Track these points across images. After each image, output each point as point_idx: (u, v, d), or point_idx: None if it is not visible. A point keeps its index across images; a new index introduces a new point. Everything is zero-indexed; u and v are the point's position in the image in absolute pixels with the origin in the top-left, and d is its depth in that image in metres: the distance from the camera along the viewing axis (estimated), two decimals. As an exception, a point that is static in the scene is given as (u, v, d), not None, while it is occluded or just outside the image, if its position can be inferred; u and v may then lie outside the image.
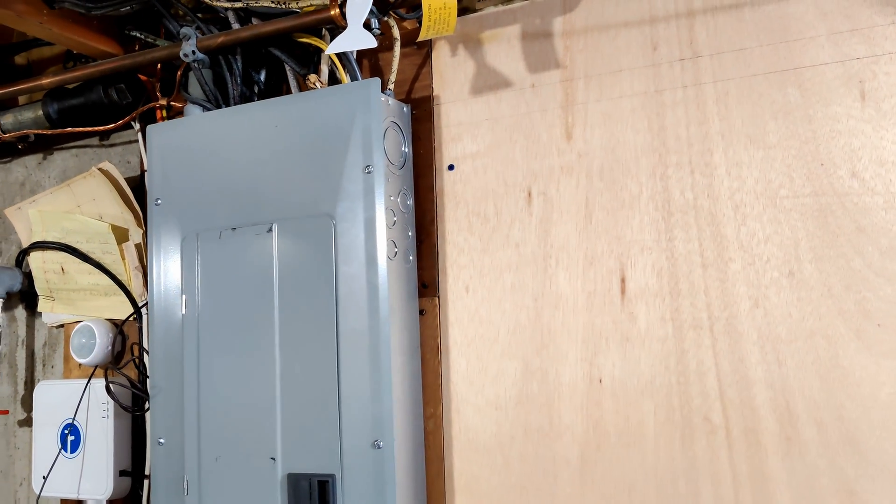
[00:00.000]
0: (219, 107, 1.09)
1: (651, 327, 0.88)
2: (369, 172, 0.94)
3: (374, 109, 0.94)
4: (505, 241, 0.97)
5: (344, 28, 0.93)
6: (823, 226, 0.82)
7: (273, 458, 0.96)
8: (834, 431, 0.80)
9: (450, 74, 1.02)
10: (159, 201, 1.07)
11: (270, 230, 0.99)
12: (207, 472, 1.00)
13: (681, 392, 0.87)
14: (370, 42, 0.89)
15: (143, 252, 1.17)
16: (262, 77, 1.10)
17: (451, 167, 1.01)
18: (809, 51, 0.84)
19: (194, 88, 1.11)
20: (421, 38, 0.91)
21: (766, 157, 0.85)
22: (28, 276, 1.30)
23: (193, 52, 1.03)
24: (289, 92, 1.08)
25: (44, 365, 1.32)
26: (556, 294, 0.94)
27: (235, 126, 1.03)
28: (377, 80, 0.94)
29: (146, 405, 1.14)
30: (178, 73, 1.12)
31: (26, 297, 1.33)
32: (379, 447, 0.90)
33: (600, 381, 0.90)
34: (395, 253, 0.95)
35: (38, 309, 1.27)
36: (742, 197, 0.86)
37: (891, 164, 0.80)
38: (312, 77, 1.01)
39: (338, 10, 0.94)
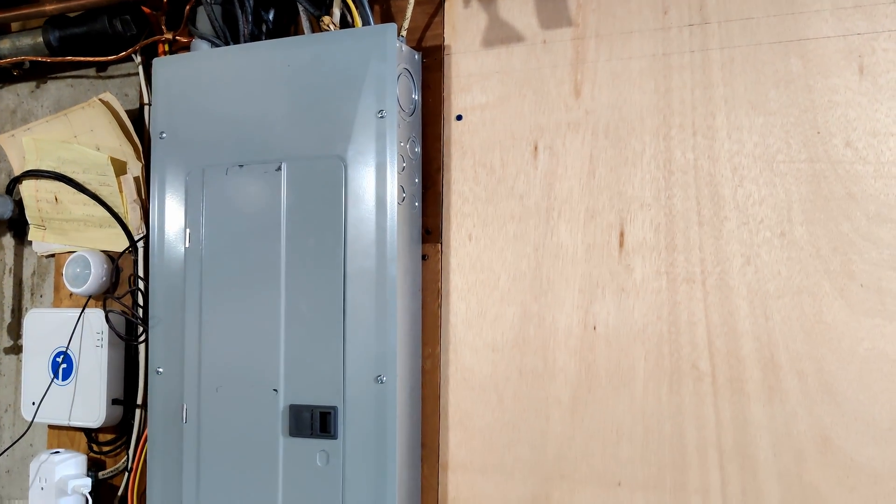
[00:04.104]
0: (227, 44, 1.09)
1: (646, 279, 0.93)
2: (382, 117, 0.96)
3: (390, 55, 0.96)
4: (509, 193, 1.00)
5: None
6: (816, 190, 0.87)
7: (275, 390, 0.99)
8: (813, 382, 0.86)
9: (462, 25, 1.04)
10: (164, 135, 1.08)
11: (279, 169, 1.00)
12: (207, 402, 1.02)
13: (671, 341, 0.92)
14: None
15: (141, 185, 1.18)
16: (271, 16, 1.11)
17: (459, 117, 1.04)
18: (813, 23, 0.88)
19: (202, 24, 1.11)
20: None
21: (765, 122, 0.90)
22: (18, 205, 1.29)
23: (208, -13, 1.03)
24: (299, 32, 1.09)
25: (32, 294, 1.32)
26: (556, 245, 0.98)
27: (246, 64, 1.04)
28: (393, 26, 0.96)
29: (140, 335, 1.16)
30: (188, 7, 1.12)
31: (15, 225, 1.33)
32: (382, 382, 0.94)
33: (594, 328, 0.95)
34: (403, 198, 0.98)
35: (29, 238, 1.27)
36: (741, 160, 0.90)
37: (883, 136, 0.85)
38: (326, 19, 1.02)
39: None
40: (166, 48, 1.17)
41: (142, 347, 1.17)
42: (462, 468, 1.00)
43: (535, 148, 0.99)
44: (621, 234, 0.95)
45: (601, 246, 0.96)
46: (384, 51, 0.96)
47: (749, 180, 0.90)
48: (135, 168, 1.19)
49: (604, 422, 0.94)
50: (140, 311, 1.15)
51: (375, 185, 0.96)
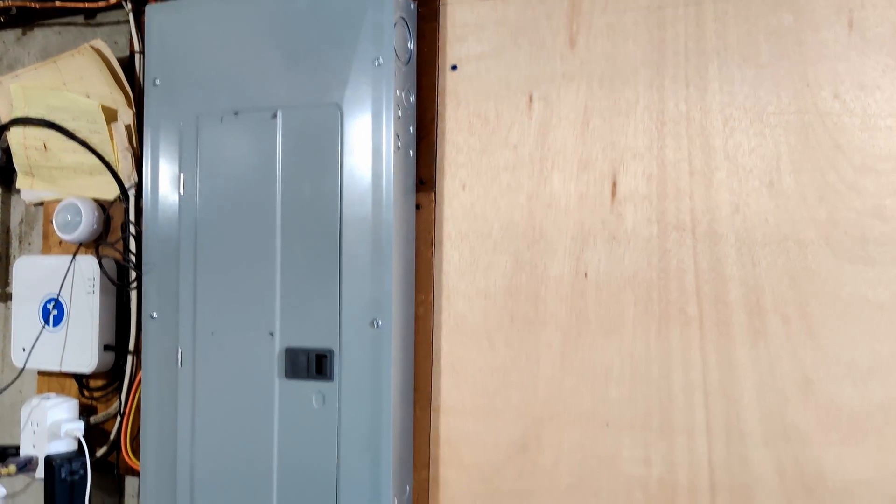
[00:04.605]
0: (221, -10, 1.09)
1: (637, 227, 0.96)
2: (379, 65, 0.97)
3: (387, 3, 0.97)
4: (503, 143, 1.02)
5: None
6: (804, 141, 0.90)
7: (271, 334, 1.00)
8: (797, 325, 0.89)
9: (458, -24, 1.05)
10: (157, 82, 1.07)
11: (275, 116, 1.01)
12: (202, 346, 1.03)
13: (660, 287, 0.94)
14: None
15: (132, 133, 1.18)
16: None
17: (454, 67, 1.05)
18: (805, -22, 0.90)
19: (196, -31, 1.10)
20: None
21: (756, 75, 0.92)
22: (6, 152, 1.28)
23: (204, -69, 1.03)
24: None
25: (20, 241, 1.31)
26: (549, 194, 0.99)
27: (242, 10, 1.03)
28: (391, -26, 0.97)
29: (133, 281, 1.16)
30: (181, -48, 1.11)
31: (2, 172, 1.32)
32: (377, 326, 0.96)
33: (585, 276, 0.98)
34: (399, 147, 0.99)
35: (17, 185, 1.26)
36: (732, 111, 0.93)
37: (870, 88, 0.88)
38: (323, -34, 1.02)
39: None
40: (158, -6, 1.16)
41: (133, 293, 1.17)
42: (454, 411, 1.03)
43: (530, 98, 1.01)
44: (613, 184, 0.97)
45: (594, 196, 0.98)
46: (381, -2, 0.97)
47: (739, 131, 0.92)
48: (126, 116, 1.18)
49: (593, 365, 0.97)
50: (132, 257, 1.15)
51: (372, 133, 0.97)
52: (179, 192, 1.05)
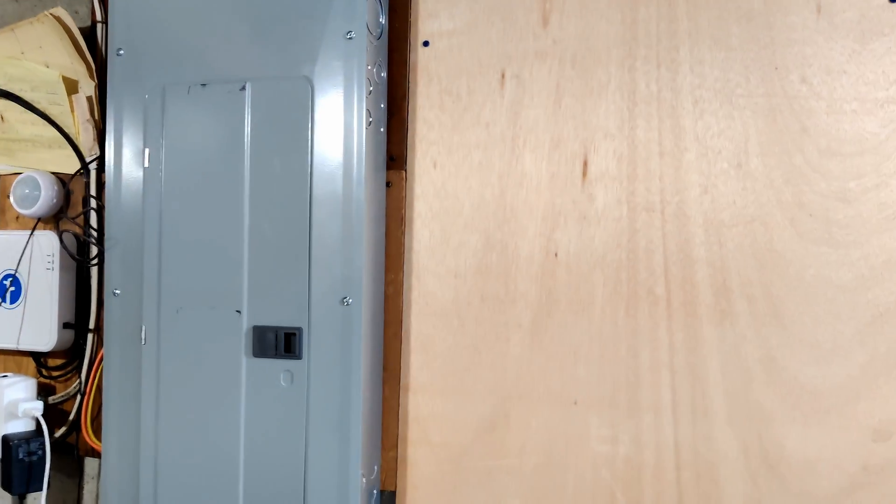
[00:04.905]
0: (188, -40, 1.06)
1: (607, 208, 0.96)
2: (350, 38, 0.95)
3: (360, -24, 0.95)
4: (475, 121, 1.01)
5: None
6: (772, 124, 0.91)
7: (238, 311, 0.98)
8: (762, 306, 0.90)
9: (431, -49, 1.04)
10: (121, 52, 1.05)
11: (243, 89, 0.99)
12: (167, 323, 1.02)
13: (629, 267, 0.95)
14: None
15: (94, 105, 1.15)
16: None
17: (426, 43, 1.04)
18: (776, -38, 0.91)
19: (162, -62, 1.07)
20: None
21: (726, 57, 0.93)
22: (-40, 123, 1.24)
23: None
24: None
25: (-25, 217, 1.27)
26: (520, 173, 0.99)
27: (210, -20, 1.01)
28: (364, -54, 0.95)
29: (94, 257, 1.14)
30: (146, -81, 1.08)
31: (-44, 145, 1.27)
32: (347, 304, 0.95)
33: (556, 255, 0.98)
34: (370, 123, 0.98)
35: (-29, 158, 1.22)
36: (702, 93, 0.93)
37: (836, 73, 0.89)
38: (294, -63, 1.00)
39: None
40: (121, -37, 1.13)
41: (94, 270, 1.15)
42: (423, 389, 1.02)
43: (503, 76, 1.00)
44: (585, 164, 0.97)
45: (565, 175, 0.98)
46: (354, -29, 0.95)
47: (709, 113, 0.93)
48: (87, 87, 1.15)
49: (562, 344, 0.97)
50: (94, 233, 1.12)
51: (344, 107, 0.95)
52: (144, 166, 1.03)
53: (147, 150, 1.03)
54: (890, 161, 0.87)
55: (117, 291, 1.04)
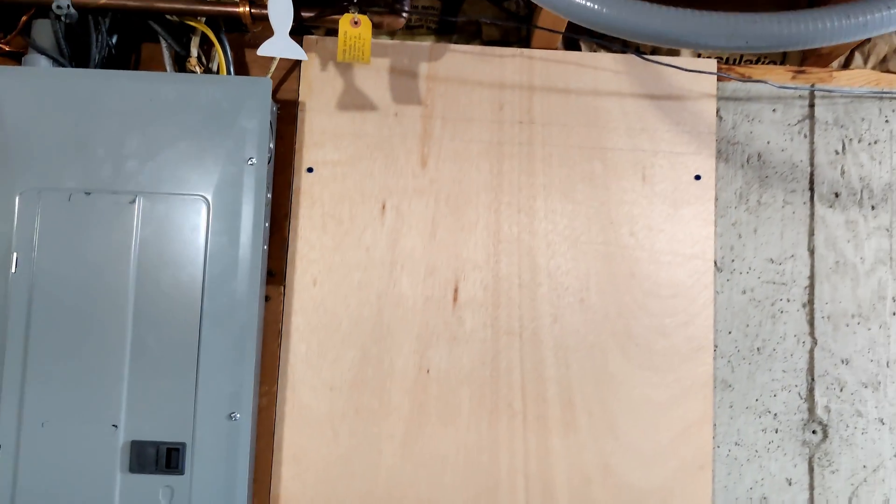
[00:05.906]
0: (70, 63, 1.05)
1: (475, 330, 1.10)
2: (251, 164, 1.01)
3: (264, 107, 1.02)
4: (357, 244, 1.11)
5: (249, 26, 0.99)
6: (608, 267, 1.11)
7: (115, 426, 0.97)
8: (599, 419, 1.08)
9: (318, 86, 1.13)
10: (-13, 148, 1.00)
11: (134, 202, 1.00)
12: (29, 438, 0.96)
13: (492, 383, 1.09)
14: (301, 55, 0.97)
15: (-65, 197, 1.06)
16: (115, 41, 1.09)
17: (310, 169, 1.12)
18: (612, 137, 1.13)
19: (42, 38, 1.05)
20: (339, 60, 1.01)
21: (574, 210, 1.12)
22: None
23: (68, 7, 1.00)
24: (146, 65, 1.09)
25: None
26: (398, 295, 1.10)
27: (101, 89, 1.01)
28: (269, 81, 1.02)
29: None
30: (25, 16, 1.05)
31: None
32: (235, 419, 0.98)
33: (428, 371, 1.09)
34: (264, 242, 1.03)
35: None
36: (554, 237, 1.11)
37: (656, 230, 1.12)
38: (193, 60, 1.05)
39: (247, 9, 1.00)
40: (-14, 52, 1.09)
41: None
42: (294, 501, 1.06)
43: (383, 206, 1.11)
44: (455, 290, 1.10)
45: (438, 299, 1.10)
46: (260, 102, 1.01)
47: (559, 254, 1.11)
48: (-72, 176, 1.07)
49: (431, 454, 1.08)
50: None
51: (241, 228, 1.00)
52: (11, 271, 0.98)
53: (16, 255, 0.99)
54: (695, 304, 1.11)
55: (-34, 403, 0.97)
